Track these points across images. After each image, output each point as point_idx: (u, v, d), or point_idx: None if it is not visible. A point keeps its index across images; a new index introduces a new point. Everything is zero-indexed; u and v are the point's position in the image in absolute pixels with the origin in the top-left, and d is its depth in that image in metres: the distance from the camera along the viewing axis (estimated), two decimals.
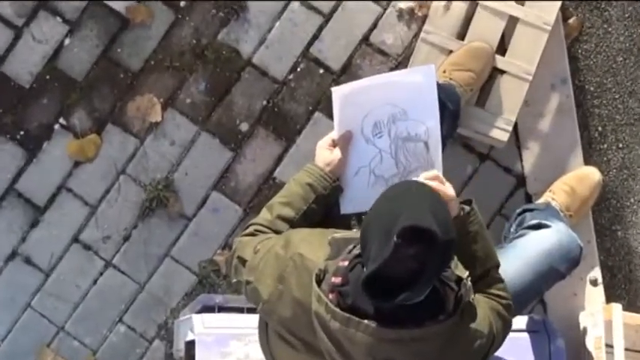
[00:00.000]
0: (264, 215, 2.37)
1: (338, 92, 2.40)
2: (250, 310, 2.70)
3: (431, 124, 2.39)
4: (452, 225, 1.91)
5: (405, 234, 1.82)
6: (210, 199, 3.24)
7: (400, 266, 1.83)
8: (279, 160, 3.21)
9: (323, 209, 2.41)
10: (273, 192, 2.90)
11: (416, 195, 1.93)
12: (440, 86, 2.60)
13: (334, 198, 2.44)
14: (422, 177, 2.18)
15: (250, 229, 2.35)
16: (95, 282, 3.24)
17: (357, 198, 2.43)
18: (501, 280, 2.29)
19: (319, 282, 2.02)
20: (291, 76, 3.21)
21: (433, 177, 2.19)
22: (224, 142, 3.22)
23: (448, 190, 2.20)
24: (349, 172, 2.44)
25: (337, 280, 1.98)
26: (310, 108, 3.20)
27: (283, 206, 2.36)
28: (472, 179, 3.15)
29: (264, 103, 3.21)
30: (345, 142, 2.43)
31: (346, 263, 2.00)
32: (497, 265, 2.30)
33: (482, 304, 2.17)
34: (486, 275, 2.26)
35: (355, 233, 2.12)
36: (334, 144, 2.43)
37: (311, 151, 2.51)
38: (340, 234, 2.14)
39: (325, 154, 2.42)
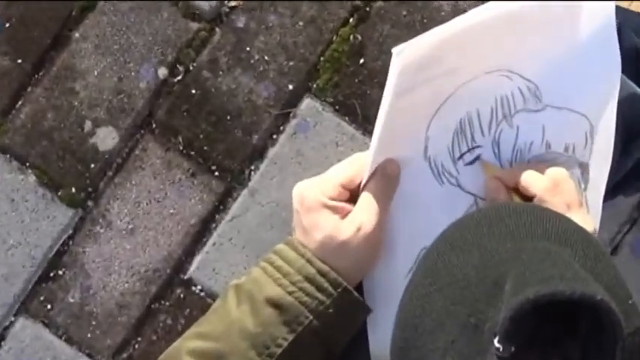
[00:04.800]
0: None
1: (407, 59, 1.22)
2: None
3: (601, 118, 1.33)
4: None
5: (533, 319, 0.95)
6: (12, 337, 1.81)
7: None
8: (202, 230, 1.70)
9: None
10: (184, 322, 1.72)
11: (533, 230, 1.05)
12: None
13: (346, 333, 1.34)
14: (547, 178, 1.26)
15: None
16: None
17: None
18: None
19: None
20: (235, 2, 1.74)
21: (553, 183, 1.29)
22: (48, 179, 1.76)
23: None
24: (396, 265, 1.31)
25: None
26: (290, 87, 1.71)
27: None
28: None
29: (165, 72, 1.75)
30: (384, 187, 1.31)
31: None
32: None
33: None
34: None
35: None
36: (352, 190, 1.31)
37: (287, 206, 1.53)
38: None
39: (327, 221, 1.30)
